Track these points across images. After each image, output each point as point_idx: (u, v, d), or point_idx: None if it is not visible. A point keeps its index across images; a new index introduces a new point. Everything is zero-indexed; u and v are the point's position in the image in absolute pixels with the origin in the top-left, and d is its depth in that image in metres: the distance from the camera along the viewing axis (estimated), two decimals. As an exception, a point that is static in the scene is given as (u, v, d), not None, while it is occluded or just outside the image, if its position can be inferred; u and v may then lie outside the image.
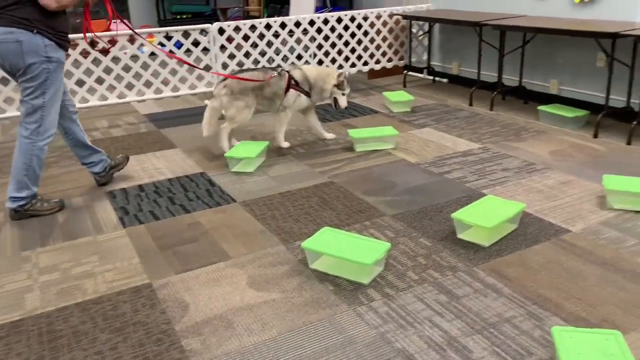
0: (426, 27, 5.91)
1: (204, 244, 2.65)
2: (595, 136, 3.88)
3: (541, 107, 4.30)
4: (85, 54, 4.61)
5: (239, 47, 5.09)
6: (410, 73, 6.33)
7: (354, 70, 5.68)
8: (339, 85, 3.82)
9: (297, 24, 5.29)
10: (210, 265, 2.46)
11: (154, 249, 2.62)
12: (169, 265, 2.47)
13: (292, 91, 3.76)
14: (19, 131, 2.88)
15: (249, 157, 3.54)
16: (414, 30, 5.98)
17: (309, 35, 5.32)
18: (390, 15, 5.82)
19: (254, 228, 2.80)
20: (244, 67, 4.12)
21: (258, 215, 2.93)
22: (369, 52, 5.72)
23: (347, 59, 5.72)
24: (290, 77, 3.75)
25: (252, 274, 2.37)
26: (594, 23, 4.02)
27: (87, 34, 3.26)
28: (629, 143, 3.70)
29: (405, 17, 5.55)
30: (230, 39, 5.06)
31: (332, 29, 5.70)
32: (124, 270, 2.45)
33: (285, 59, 5.39)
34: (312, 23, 5.37)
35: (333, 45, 5.95)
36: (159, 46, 5.14)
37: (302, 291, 2.23)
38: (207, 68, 4.92)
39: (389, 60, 6.01)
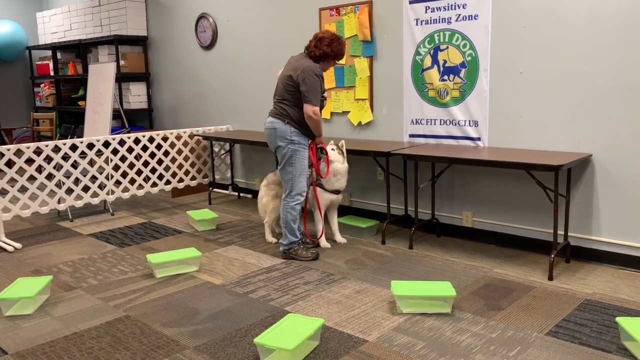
0: (227, 146, 6.11)
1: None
2: (383, 242, 4.25)
3: (340, 219, 4.60)
4: None
5: (21, 171, 4.64)
6: (215, 190, 6.40)
7: (155, 189, 5.53)
8: None
9: (90, 146, 5.04)
10: None
11: None
12: None
13: (317, 188, 4.14)
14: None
15: (27, 297, 3.08)
16: (215, 150, 6.13)
17: (103, 157, 5.08)
18: (191, 136, 5.91)
19: (28, 386, 2.37)
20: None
21: (34, 369, 2.51)
22: (170, 172, 5.65)
23: (147, 179, 5.58)
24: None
25: None
26: (372, 143, 4.56)
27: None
28: (410, 247, 4.11)
29: (205, 137, 5.67)
30: (10, 163, 4.59)
31: (130, 150, 5.56)
32: None
33: (77, 181, 5.04)
34: (107, 144, 5.18)
35: (131, 165, 5.78)
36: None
37: None
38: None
39: (193, 178, 6.01)
